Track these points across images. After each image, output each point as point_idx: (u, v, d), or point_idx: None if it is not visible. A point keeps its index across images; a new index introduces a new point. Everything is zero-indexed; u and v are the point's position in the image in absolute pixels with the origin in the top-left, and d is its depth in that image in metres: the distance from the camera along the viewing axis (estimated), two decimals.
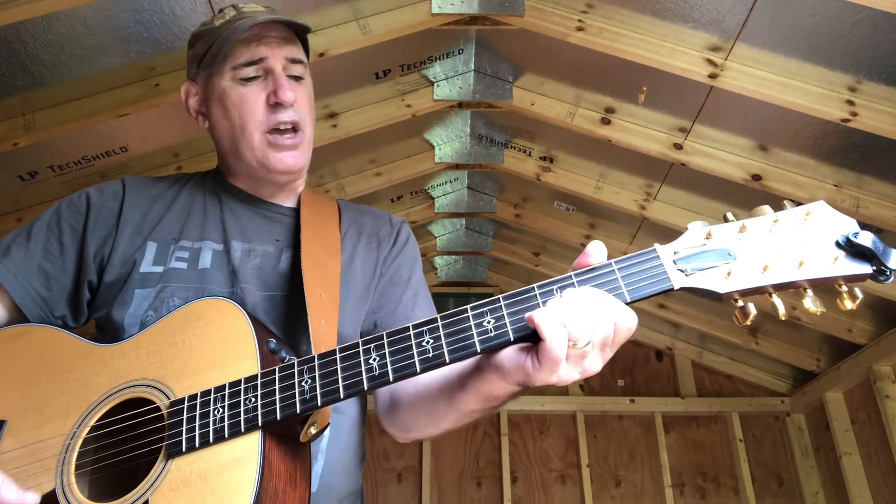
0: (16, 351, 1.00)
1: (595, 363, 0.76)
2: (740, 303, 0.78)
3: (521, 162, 3.18)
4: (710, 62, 2.27)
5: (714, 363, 4.19)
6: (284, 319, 1.08)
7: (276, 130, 1.15)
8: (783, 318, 0.77)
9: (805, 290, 0.77)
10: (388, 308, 1.19)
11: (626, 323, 0.76)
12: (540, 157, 3.14)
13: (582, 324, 0.74)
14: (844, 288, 0.76)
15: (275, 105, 1.14)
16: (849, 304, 0.76)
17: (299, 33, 1.24)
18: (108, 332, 1.06)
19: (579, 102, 2.72)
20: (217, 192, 1.23)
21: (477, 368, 0.85)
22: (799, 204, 0.81)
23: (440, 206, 3.61)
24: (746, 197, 2.82)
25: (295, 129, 1.17)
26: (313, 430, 0.88)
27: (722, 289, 0.77)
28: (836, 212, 0.78)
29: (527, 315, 0.76)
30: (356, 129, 2.74)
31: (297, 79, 1.19)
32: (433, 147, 3.22)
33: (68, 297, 1.12)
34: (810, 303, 0.76)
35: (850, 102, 2.19)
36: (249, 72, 1.15)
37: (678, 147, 2.66)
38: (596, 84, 2.66)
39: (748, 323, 0.77)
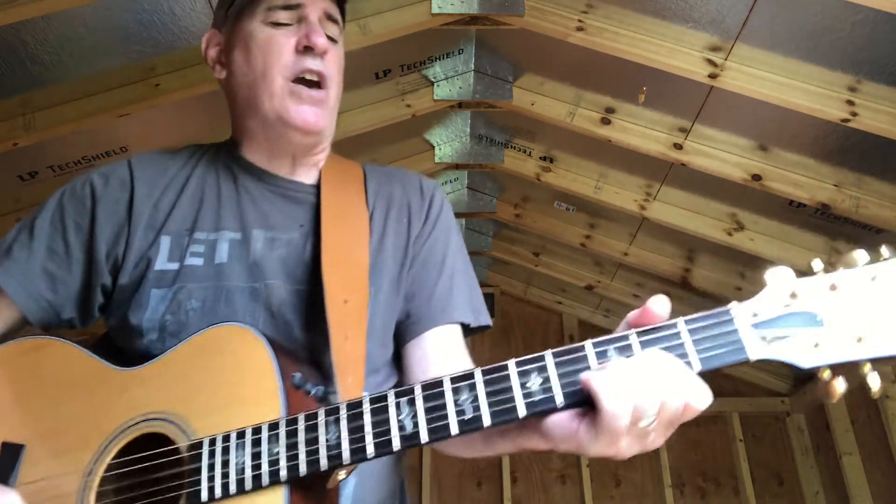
0: (35, 366, 0.95)
1: (656, 442, 0.69)
2: (827, 375, 0.66)
3: (521, 162, 3.18)
4: (711, 62, 2.27)
5: None
6: (315, 317, 0.99)
7: (300, 80, 1.04)
8: (875, 398, 0.68)
9: None
10: (422, 296, 1.08)
11: (699, 402, 0.66)
12: (540, 157, 3.14)
13: (650, 398, 0.64)
14: None
15: (304, 50, 1.04)
16: None
17: None
18: (125, 337, 1.00)
19: (579, 102, 2.72)
20: (232, 170, 1.11)
21: (521, 426, 0.76)
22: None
23: None
24: (746, 197, 2.82)
25: (321, 85, 1.06)
26: (342, 476, 0.82)
27: (807, 363, 0.66)
28: None
29: (582, 377, 0.68)
30: (356, 129, 2.74)
31: (332, 40, 1.10)
32: (433, 147, 3.21)
33: (77, 299, 1.03)
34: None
35: (850, 102, 2.19)
36: (283, 16, 1.06)
37: (678, 147, 2.66)
38: (596, 84, 2.66)
39: (834, 402, 0.69)
